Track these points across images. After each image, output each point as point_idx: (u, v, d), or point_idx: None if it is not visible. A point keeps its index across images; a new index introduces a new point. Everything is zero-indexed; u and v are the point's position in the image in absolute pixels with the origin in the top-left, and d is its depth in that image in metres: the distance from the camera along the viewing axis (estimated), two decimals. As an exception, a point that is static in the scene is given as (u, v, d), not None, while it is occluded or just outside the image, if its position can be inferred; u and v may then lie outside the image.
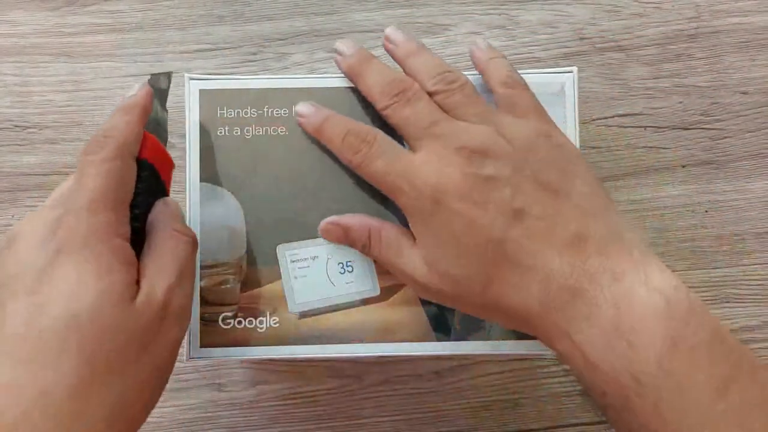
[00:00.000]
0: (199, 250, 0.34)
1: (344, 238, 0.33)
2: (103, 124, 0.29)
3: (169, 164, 0.32)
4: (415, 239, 0.32)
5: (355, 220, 0.33)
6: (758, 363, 0.27)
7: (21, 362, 0.25)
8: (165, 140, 0.33)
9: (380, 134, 0.32)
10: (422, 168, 0.31)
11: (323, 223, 0.34)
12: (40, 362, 0.25)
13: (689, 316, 0.27)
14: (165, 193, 0.32)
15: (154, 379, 0.28)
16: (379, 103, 0.33)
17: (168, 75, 0.33)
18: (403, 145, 0.33)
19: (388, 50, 0.35)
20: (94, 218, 0.27)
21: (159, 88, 0.33)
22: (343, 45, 0.34)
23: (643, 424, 0.26)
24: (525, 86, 0.33)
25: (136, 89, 0.31)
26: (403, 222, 0.34)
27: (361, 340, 0.34)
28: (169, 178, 0.32)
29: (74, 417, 0.25)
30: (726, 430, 0.25)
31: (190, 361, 0.33)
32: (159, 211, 0.30)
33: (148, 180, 0.30)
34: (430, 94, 0.32)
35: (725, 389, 0.25)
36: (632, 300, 0.27)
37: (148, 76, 0.33)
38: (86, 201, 0.27)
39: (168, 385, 0.30)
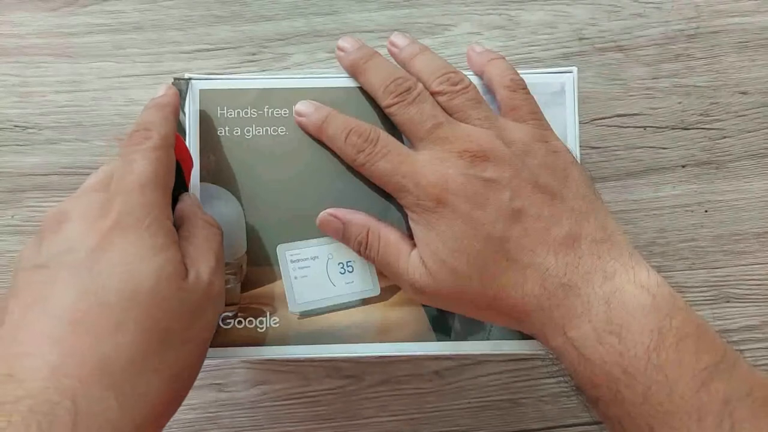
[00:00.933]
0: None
1: (342, 232, 0.34)
2: (140, 119, 0.31)
3: (190, 163, 0.34)
4: (413, 244, 0.32)
5: (355, 216, 0.34)
6: (740, 357, 0.28)
7: (81, 333, 0.25)
8: (184, 139, 0.34)
9: (383, 133, 0.33)
10: (426, 168, 0.31)
11: (323, 213, 0.34)
12: (100, 333, 0.26)
13: (674, 311, 0.28)
14: (186, 188, 0.33)
15: (197, 357, 0.29)
16: (384, 100, 0.33)
17: (187, 81, 0.34)
18: (401, 141, 0.33)
19: (392, 54, 0.35)
20: (145, 198, 0.28)
21: (180, 91, 0.34)
22: (346, 42, 0.35)
23: (632, 414, 0.28)
24: (527, 89, 0.34)
25: (164, 90, 0.33)
26: (403, 224, 0.34)
27: (361, 340, 0.34)
28: (189, 176, 0.34)
29: (131, 387, 0.26)
30: (710, 420, 0.26)
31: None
32: (188, 203, 0.32)
33: (175, 174, 0.32)
34: (434, 94, 0.33)
35: (710, 381, 0.27)
36: (622, 297, 0.28)
37: (171, 79, 0.34)
38: (137, 184, 0.28)
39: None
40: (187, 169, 0.33)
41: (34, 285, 0.27)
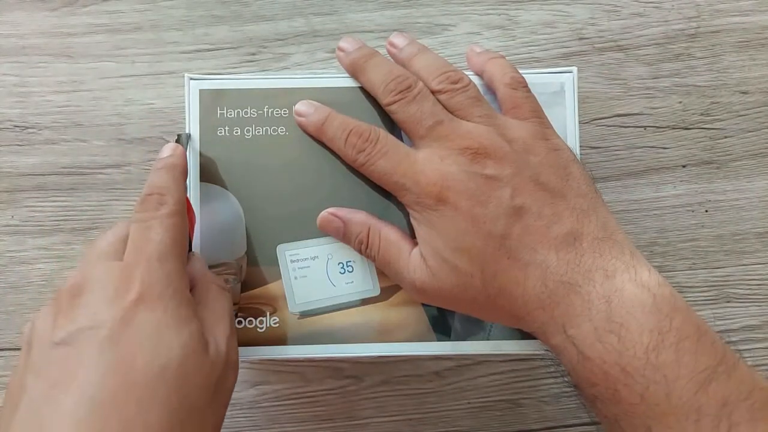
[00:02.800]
0: (199, 250, 0.34)
1: (342, 231, 0.33)
2: (151, 182, 0.31)
3: (194, 218, 0.34)
4: (414, 242, 0.32)
5: (355, 215, 0.34)
6: (740, 359, 0.28)
7: (107, 414, 0.25)
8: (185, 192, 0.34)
9: (383, 133, 0.33)
10: (426, 166, 0.31)
11: (323, 213, 0.34)
12: (127, 414, 0.25)
13: (674, 312, 0.28)
14: (191, 246, 0.33)
15: (218, 424, 0.29)
16: (384, 98, 0.33)
17: (188, 135, 0.34)
18: (401, 139, 0.33)
19: (391, 54, 0.35)
20: (166, 269, 0.28)
21: (182, 143, 0.34)
22: (346, 42, 0.35)
23: (630, 414, 0.28)
24: (527, 88, 0.34)
25: (170, 150, 0.32)
26: (403, 224, 0.34)
27: (361, 341, 0.34)
28: (193, 232, 0.34)
29: None
30: (707, 422, 0.26)
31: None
32: (198, 266, 0.32)
33: None
34: (434, 93, 0.33)
35: (708, 383, 0.27)
36: (623, 296, 0.28)
37: (176, 136, 0.34)
38: (156, 253, 0.28)
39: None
40: (191, 226, 0.33)
41: (55, 363, 0.26)
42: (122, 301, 0.27)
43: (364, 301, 0.34)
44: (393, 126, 0.34)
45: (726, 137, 0.44)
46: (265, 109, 0.35)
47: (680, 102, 0.44)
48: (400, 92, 0.32)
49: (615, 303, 0.28)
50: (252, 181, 0.34)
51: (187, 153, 0.34)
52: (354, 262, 0.34)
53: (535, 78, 0.34)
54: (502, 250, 0.30)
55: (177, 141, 0.33)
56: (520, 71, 0.34)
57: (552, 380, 0.43)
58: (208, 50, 0.44)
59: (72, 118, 0.44)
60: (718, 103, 0.44)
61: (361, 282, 0.34)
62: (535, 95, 0.34)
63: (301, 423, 0.42)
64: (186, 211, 0.31)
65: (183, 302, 0.28)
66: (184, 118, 0.35)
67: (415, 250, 0.32)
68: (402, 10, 0.45)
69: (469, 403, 0.43)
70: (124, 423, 0.25)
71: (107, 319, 0.26)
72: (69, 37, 0.44)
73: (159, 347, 0.26)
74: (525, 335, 0.34)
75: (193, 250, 0.34)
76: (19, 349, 0.42)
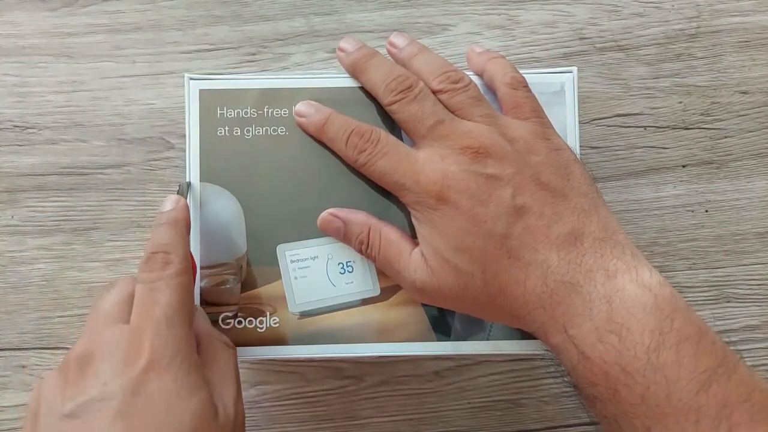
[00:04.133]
0: (199, 250, 0.34)
1: (343, 231, 0.33)
2: (155, 239, 0.30)
3: (195, 269, 0.33)
4: (414, 242, 0.32)
5: (356, 215, 0.34)
6: (740, 361, 0.28)
7: None
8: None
9: (383, 133, 0.33)
10: (427, 166, 0.31)
11: (324, 213, 0.34)
12: None
13: (675, 312, 0.28)
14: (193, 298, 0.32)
15: None
16: (385, 98, 0.33)
17: (188, 184, 0.34)
18: (401, 140, 0.33)
19: (391, 54, 0.35)
20: (174, 333, 0.27)
21: (183, 194, 0.33)
22: (346, 42, 0.35)
23: (629, 414, 0.27)
24: (528, 87, 0.34)
25: (172, 203, 0.32)
26: (403, 223, 0.34)
27: (360, 341, 0.34)
28: (194, 284, 0.33)
29: None
30: (707, 423, 0.26)
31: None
32: (202, 322, 0.31)
33: None
34: (435, 93, 0.33)
35: (708, 384, 0.26)
36: (623, 296, 0.28)
37: (176, 186, 0.33)
38: (164, 316, 0.28)
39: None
40: (194, 278, 0.32)
41: None
42: (132, 369, 0.26)
43: (364, 301, 0.34)
44: (393, 126, 0.34)
45: (726, 137, 0.44)
46: (265, 109, 0.35)
47: (680, 102, 0.44)
48: (401, 92, 0.32)
49: (616, 303, 0.28)
50: (252, 181, 0.34)
51: (188, 201, 0.33)
52: (354, 262, 0.34)
53: (536, 78, 0.34)
54: (503, 249, 0.30)
55: (178, 192, 0.33)
56: (521, 71, 0.34)
57: (552, 380, 0.43)
58: (208, 50, 0.44)
59: (72, 118, 0.44)
60: (718, 103, 0.44)
61: (361, 282, 0.34)
62: (536, 95, 0.34)
63: (301, 423, 0.42)
64: (191, 269, 0.30)
65: (192, 368, 0.27)
66: (184, 118, 0.35)
67: (416, 249, 0.32)
68: (402, 10, 0.45)
69: (469, 403, 0.43)
70: None
71: (117, 390, 0.26)
72: (69, 37, 0.44)
73: (170, 419, 0.26)
74: (525, 335, 0.34)
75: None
76: (19, 349, 0.42)
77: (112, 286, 0.30)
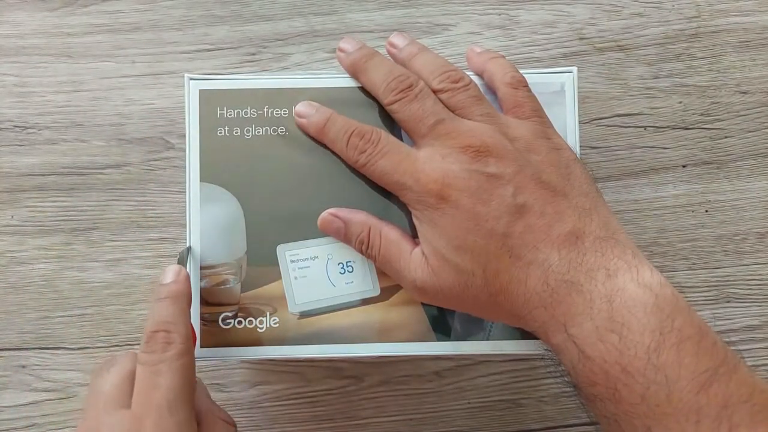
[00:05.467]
0: (199, 250, 0.34)
1: (343, 231, 0.33)
2: (156, 315, 0.29)
3: (194, 337, 0.33)
4: (415, 242, 0.32)
5: (356, 215, 0.34)
6: (741, 361, 0.28)
7: None
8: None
9: (384, 133, 0.33)
10: (427, 165, 0.31)
11: (324, 213, 0.34)
12: None
13: (675, 312, 0.28)
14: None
15: None
16: (385, 98, 0.33)
17: (188, 249, 0.34)
18: (401, 139, 0.33)
19: (391, 54, 0.35)
20: (176, 419, 0.27)
21: (184, 262, 0.33)
22: (346, 43, 0.35)
23: (629, 414, 0.27)
24: (528, 87, 0.34)
25: (173, 274, 0.31)
26: (404, 223, 0.34)
27: (360, 341, 0.34)
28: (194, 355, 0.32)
29: None
30: (708, 424, 0.26)
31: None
32: (203, 397, 0.31)
33: None
34: (435, 92, 0.33)
35: (709, 384, 0.26)
36: (624, 295, 0.28)
37: (177, 256, 0.33)
38: (165, 401, 0.27)
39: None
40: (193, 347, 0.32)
41: None
42: None
43: (364, 301, 0.34)
44: (393, 126, 0.34)
45: (726, 137, 0.44)
46: (265, 109, 0.35)
47: (680, 102, 0.44)
48: (401, 91, 0.32)
49: (617, 303, 0.28)
50: (252, 181, 0.34)
51: (189, 267, 0.33)
52: (354, 262, 0.34)
53: (536, 78, 0.34)
54: (504, 248, 0.30)
55: (178, 260, 0.33)
56: (521, 71, 0.34)
57: (552, 380, 0.43)
58: (208, 50, 0.44)
59: (72, 118, 0.44)
60: (718, 103, 0.44)
61: (361, 282, 0.34)
62: (536, 95, 0.34)
63: (301, 423, 0.42)
64: (193, 346, 0.30)
65: None
66: (184, 119, 0.35)
67: (417, 249, 0.32)
68: (402, 10, 0.45)
69: (468, 403, 0.43)
70: None
71: None
72: (69, 37, 0.44)
73: None
74: (525, 335, 0.34)
75: (192, 249, 0.34)
76: (19, 349, 0.42)
77: (111, 364, 0.30)
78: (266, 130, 0.35)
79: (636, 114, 0.44)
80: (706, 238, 0.44)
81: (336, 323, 0.34)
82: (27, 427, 0.42)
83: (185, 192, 0.34)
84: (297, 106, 0.34)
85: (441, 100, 0.33)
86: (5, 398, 0.42)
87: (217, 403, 0.42)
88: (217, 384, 0.42)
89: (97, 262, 0.43)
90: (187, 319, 0.30)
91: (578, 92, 0.35)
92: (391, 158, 0.32)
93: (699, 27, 0.44)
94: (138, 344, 0.42)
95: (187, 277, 0.32)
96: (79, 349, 0.42)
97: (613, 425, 0.28)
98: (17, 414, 0.42)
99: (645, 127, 0.44)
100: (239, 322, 0.34)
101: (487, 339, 0.34)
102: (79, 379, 0.42)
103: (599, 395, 0.28)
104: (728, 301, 0.43)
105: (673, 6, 0.45)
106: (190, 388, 0.29)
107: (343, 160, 0.34)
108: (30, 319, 0.42)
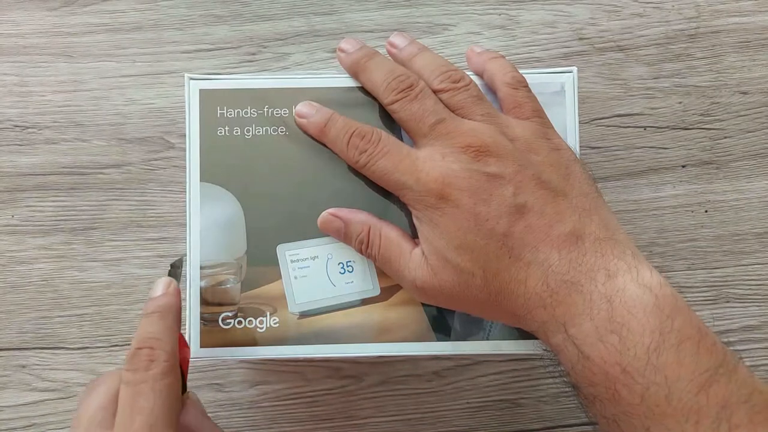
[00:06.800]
0: (199, 250, 0.34)
1: (343, 231, 0.33)
2: (141, 332, 0.29)
3: (188, 353, 0.32)
4: (415, 241, 0.32)
5: (356, 215, 0.34)
6: (740, 361, 0.28)
7: None
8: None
9: (384, 133, 0.33)
10: (428, 164, 0.31)
11: (324, 213, 0.34)
12: None
13: (675, 312, 0.28)
14: (185, 384, 0.31)
15: None
16: (386, 97, 0.33)
17: (181, 259, 0.33)
18: (401, 140, 0.33)
19: (391, 54, 0.35)
20: None
21: (176, 273, 0.32)
22: (346, 43, 0.35)
23: (629, 414, 0.27)
24: (528, 87, 0.34)
25: (162, 288, 0.31)
26: (404, 223, 0.34)
27: (360, 340, 0.34)
28: (187, 368, 0.32)
29: None
30: (707, 424, 0.26)
31: (190, 361, 0.33)
32: (192, 414, 0.30)
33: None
34: (435, 92, 0.33)
35: (709, 385, 0.26)
36: (624, 296, 0.28)
37: (169, 267, 0.32)
38: (147, 425, 0.27)
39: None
40: (186, 362, 0.31)
41: None
42: None
43: (364, 301, 0.34)
44: (393, 126, 0.34)
45: (726, 137, 0.44)
46: (265, 109, 0.35)
47: (680, 102, 0.44)
48: (401, 91, 0.32)
49: (617, 303, 0.28)
50: (252, 181, 0.34)
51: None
52: (354, 262, 0.34)
53: (536, 78, 0.34)
54: (504, 248, 0.30)
55: (170, 272, 0.32)
56: (521, 71, 0.34)
57: (551, 380, 0.43)
58: (208, 50, 0.44)
59: (72, 118, 0.44)
60: (718, 103, 0.44)
61: (361, 282, 0.34)
62: (536, 95, 0.34)
63: (300, 423, 0.42)
64: (178, 363, 0.29)
65: None
66: (184, 118, 0.35)
67: (417, 249, 0.32)
68: (402, 10, 0.45)
69: (468, 402, 0.43)
70: None
71: None
72: (69, 36, 0.44)
73: None
74: (524, 335, 0.34)
75: (192, 251, 0.34)
76: (19, 349, 0.42)
77: (98, 383, 0.29)
78: (266, 129, 0.35)
79: (636, 114, 0.44)
80: (706, 238, 0.44)
81: (336, 323, 0.34)
82: (26, 426, 0.42)
83: (185, 192, 0.34)
84: (297, 107, 0.34)
85: (441, 100, 0.33)
86: (5, 398, 0.42)
87: (216, 403, 0.42)
88: (216, 384, 0.42)
89: (96, 261, 0.43)
90: (175, 335, 0.30)
91: (578, 92, 0.35)
92: (392, 158, 0.32)
93: (699, 27, 0.44)
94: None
95: (177, 291, 0.31)
96: (78, 348, 0.42)
97: (612, 425, 0.28)
98: (17, 414, 0.42)
99: (645, 127, 0.44)
100: (239, 322, 0.34)
101: (487, 339, 0.34)
102: (78, 379, 0.42)
103: (599, 395, 0.28)
104: (727, 302, 0.43)
105: (673, 6, 0.45)
106: (172, 410, 0.28)
107: (343, 160, 0.34)
108: (30, 319, 0.42)
